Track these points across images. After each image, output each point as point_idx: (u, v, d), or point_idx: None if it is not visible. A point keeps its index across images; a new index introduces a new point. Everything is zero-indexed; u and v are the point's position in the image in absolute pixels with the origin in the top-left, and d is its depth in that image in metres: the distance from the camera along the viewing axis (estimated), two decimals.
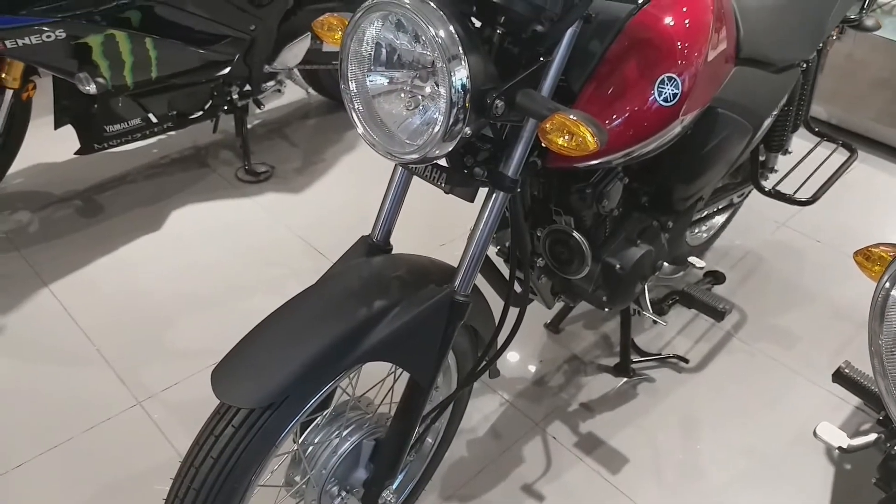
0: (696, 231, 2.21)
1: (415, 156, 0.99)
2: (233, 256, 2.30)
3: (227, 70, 2.36)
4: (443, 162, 1.13)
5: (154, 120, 2.33)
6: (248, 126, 2.73)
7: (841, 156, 2.16)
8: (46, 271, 2.18)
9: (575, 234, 1.38)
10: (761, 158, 2.06)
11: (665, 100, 1.17)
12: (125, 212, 2.46)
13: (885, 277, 0.97)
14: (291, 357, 0.99)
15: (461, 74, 0.92)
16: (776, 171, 2.09)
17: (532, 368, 2.01)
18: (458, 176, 1.09)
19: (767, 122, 1.70)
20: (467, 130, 0.96)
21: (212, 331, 2.03)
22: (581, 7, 0.99)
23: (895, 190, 2.95)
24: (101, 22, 2.00)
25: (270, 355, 1.02)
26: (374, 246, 1.23)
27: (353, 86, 1.02)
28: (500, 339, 1.28)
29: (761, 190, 1.93)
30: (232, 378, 0.99)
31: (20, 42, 1.86)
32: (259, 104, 2.64)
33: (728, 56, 1.39)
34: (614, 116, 1.17)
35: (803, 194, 1.94)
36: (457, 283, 1.14)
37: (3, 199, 2.47)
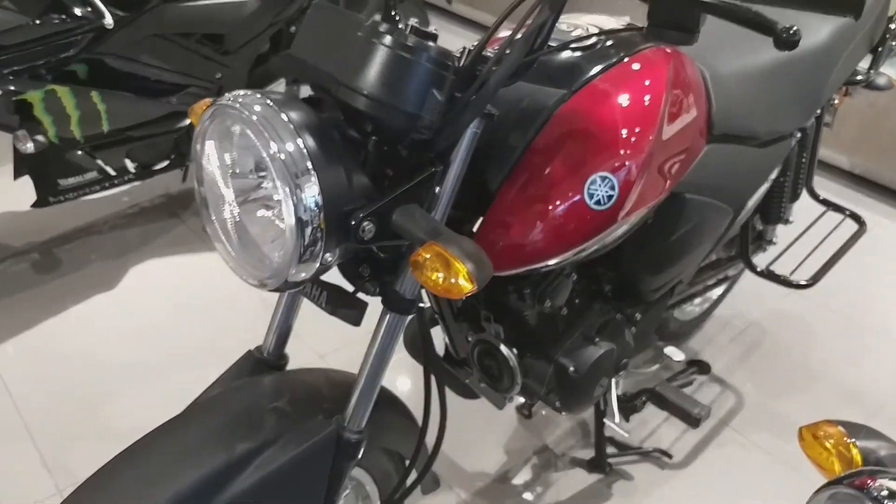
0: (687, 307, 2.00)
1: (271, 281, 0.82)
2: (187, 322, 2.16)
3: (187, 122, 2.24)
4: (337, 272, 0.96)
5: (112, 172, 2.22)
6: None
7: (849, 228, 1.94)
8: None
9: (502, 347, 1.19)
10: (758, 228, 1.86)
11: (597, 203, 0.98)
12: (82, 267, 2.34)
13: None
14: None
15: (311, 192, 0.75)
16: (775, 243, 1.88)
17: (496, 460, 1.82)
18: (340, 296, 0.92)
19: (753, 201, 1.50)
20: (328, 257, 0.79)
21: (150, 407, 1.87)
22: (473, 110, 0.82)
23: None
24: (46, 76, 1.89)
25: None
26: (263, 362, 1.07)
27: (205, 192, 0.86)
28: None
29: (753, 270, 1.73)
30: None
31: None
32: None
33: (695, 136, 1.20)
34: (537, 222, 0.99)
35: (802, 275, 1.73)
36: (347, 418, 0.96)
37: None
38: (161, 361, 2.01)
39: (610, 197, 0.99)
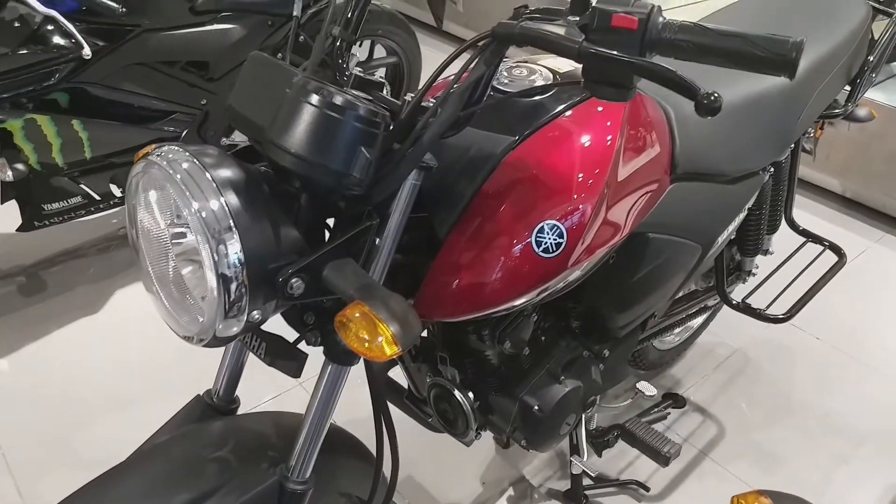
0: (666, 337, 1.99)
1: (201, 336, 0.82)
2: (170, 349, 2.15)
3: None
4: (281, 319, 0.96)
5: (97, 197, 2.23)
6: None
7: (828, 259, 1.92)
8: None
9: (456, 392, 1.18)
10: (737, 259, 1.84)
11: (545, 251, 0.97)
12: (67, 291, 2.35)
13: None
14: None
15: (233, 249, 0.75)
16: (754, 274, 1.86)
17: (472, 491, 1.80)
18: (280, 347, 0.92)
19: (724, 236, 1.49)
20: (255, 314, 0.79)
21: (127, 437, 1.87)
22: (409, 164, 0.82)
23: None
24: (27, 105, 1.90)
25: None
26: (211, 407, 1.06)
27: (138, 244, 0.87)
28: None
29: (729, 303, 1.71)
30: None
31: None
32: None
33: (657, 176, 1.19)
34: (485, 269, 0.98)
35: (780, 308, 1.71)
36: (290, 468, 0.95)
37: None
38: (143, 389, 2.01)
39: (559, 245, 0.98)
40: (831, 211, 3.02)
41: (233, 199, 0.76)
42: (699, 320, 2.09)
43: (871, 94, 2.86)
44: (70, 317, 2.25)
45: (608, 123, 1.05)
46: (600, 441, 1.57)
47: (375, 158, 0.80)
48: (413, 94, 0.87)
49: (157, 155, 0.80)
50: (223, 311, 0.77)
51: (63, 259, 2.49)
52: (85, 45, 1.77)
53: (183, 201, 0.76)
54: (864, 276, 2.61)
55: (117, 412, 1.94)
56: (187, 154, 0.79)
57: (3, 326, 2.19)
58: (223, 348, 1.06)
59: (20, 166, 1.94)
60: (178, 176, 0.77)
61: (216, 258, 0.75)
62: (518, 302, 1.02)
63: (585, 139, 1.02)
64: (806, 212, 2.98)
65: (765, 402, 2.09)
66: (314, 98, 0.76)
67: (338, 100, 0.77)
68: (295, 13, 1.00)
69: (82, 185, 2.16)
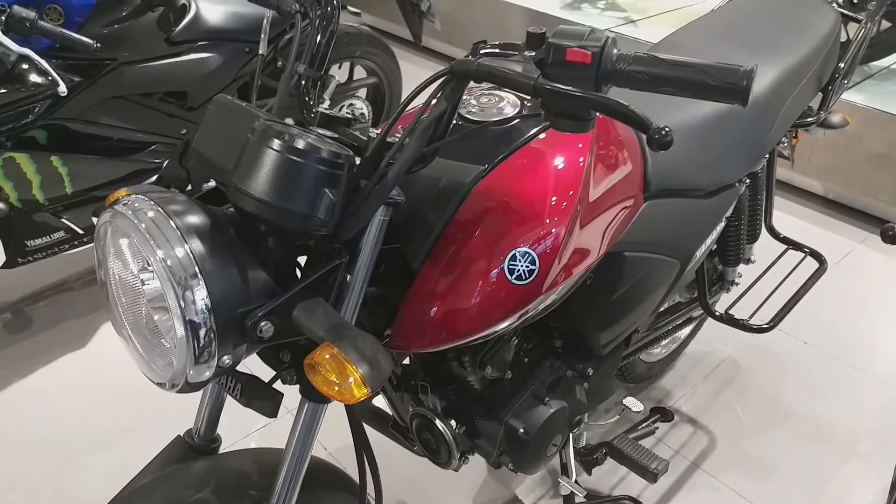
0: (653, 349, 1.99)
1: (173, 382, 0.82)
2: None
3: (153, 178, 2.25)
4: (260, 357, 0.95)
5: (80, 231, 2.22)
6: None
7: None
8: None
9: (437, 422, 1.18)
10: (719, 268, 1.85)
11: (518, 278, 0.98)
12: (53, 326, 2.34)
13: None
14: None
15: (200, 296, 0.75)
16: (737, 283, 1.87)
17: None
18: (255, 387, 0.91)
19: (702, 249, 1.49)
20: (226, 359, 0.79)
21: (115, 476, 1.87)
22: (375, 201, 0.82)
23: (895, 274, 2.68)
24: (5, 143, 1.90)
25: None
26: (192, 447, 1.06)
27: (110, 290, 0.86)
28: None
29: (712, 314, 1.71)
30: None
31: None
32: None
33: (630, 195, 1.20)
34: (459, 299, 0.98)
35: (762, 318, 1.71)
36: None
37: None
38: (131, 425, 1.99)
39: (531, 271, 0.98)
40: (815, 213, 3.03)
41: (198, 245, 0.76)
42: (686, 331, 2.10)
43: (849, 96, 2.89)
44: (57, 353, 2.23)
45: (576, 147, 1.05)
46: (589, 459, 1.57)
47: (340, 198, 0.80)
48: (378, 131, 0.87)
49: (124, 204, 0.80)
50: (193, 358, 0.77)
51: (49, 294, 2.48)
52: (60, 82, 1.77)
53: (148, 250, 0.76)
54: (850, 277, 2.62)
55: (105, 450, 1.93)
56: (152, 203, 0.79)
57: None
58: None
59: (1, 205, 1.93)
60: (143, 225, 0.77)
61: (183, 305, 0.75)
62: (495, 329, 1.02)
63: (554, 164, 1.02)
64: (790, 215, 2.99)
65: (755, 410, 2.09)
66: (276, 143, 0.77)
67: (299, 144, 0.77)
68: (260, 52, 1.00)
69: (64, 220, 2.16)
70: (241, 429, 1.89)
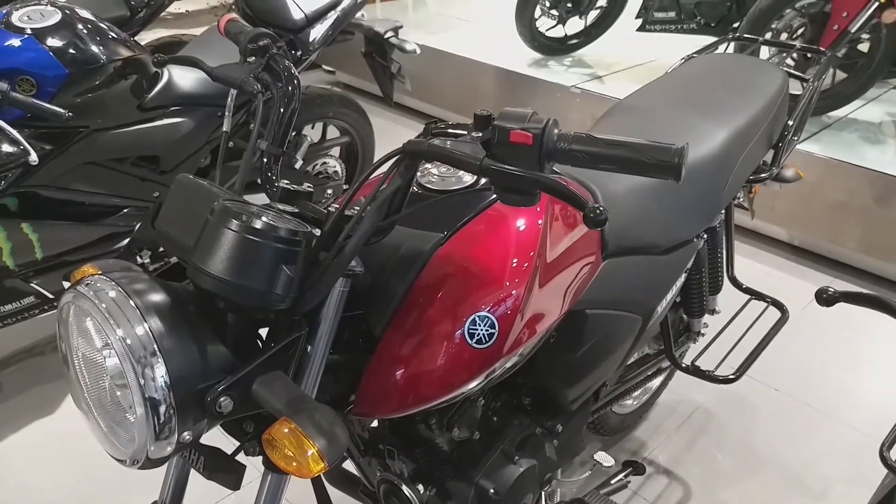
0: (625, 401, 2.01)
1: (135, 459, 0.82)
2: None
3: (125, 241, 2.26)
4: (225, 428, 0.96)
5: (50, 296, 2.21)
6: None
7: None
8: None
9: (404, 488, 1.19)
10: (685, 319, 1.88)
11: (479, 342, 1.00)
12: (23, 391, 2.31)
13: None
14: None
15: (159, 373, 0.77)
16: (703, 334, 1.90)
17: None
18: (218, 459, 0.92)
19: (664, 304, 1.53)
20: (186, 435, 0.80)
21: None
22: (334, 273, 0.85)
23: (861, 320, 2.73)
24: None
25: None
26: None
27: (74, 360, 0.88)
28: None
29: (678, 366, 1.74)
30: None
31: None
32: None
33: (587, 256, 1.24)
34: (421, 364, 1.00)
35: (727, 368, 1.75)
36: None
37: None
38: (98, 494, 1.96)
39: (491, 335, 1.01)
40: (780, 259, 3.10)
41: (157, 323, 0.78)
42: (657, 382, 2.12)
43: (807, 147, 2.99)
44: (26, 419, 2.20)
45: (532, 211, 1.09)
46: None
47: (298, 274, 0.82)
48: (336, 207, 0.90)
49: (86, 285, 0.82)
50: (154, 434, 0.78)
51: (19, 358, 2.46)
52: (32, 151, 1.79)
53: (108, 329, 0.78)
54: (816, 323, 2.67)
55: None
56: (113, 283, 0.81)
57: None
58: None
59: None
60: (104, 305, 0.79)
61: (143, 382, 0.77)
62: (459, 392, 1.04)
63: (511, 229, 1.06)
64: (757, 262, 3.06)
65: (729, 458, 2.11)
66: (234, 224, 0.80)
67: (257, 224, 0.80)
68: (224, 129, 1.04)
69: (34, 285, 2.15)
70: (210, 499, 1.87)
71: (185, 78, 2.25)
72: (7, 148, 1.84)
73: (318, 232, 0.90)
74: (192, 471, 1.09)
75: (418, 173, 1.13)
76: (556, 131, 0.79)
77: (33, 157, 1.80)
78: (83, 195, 2.11)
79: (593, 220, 0.75)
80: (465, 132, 0.86)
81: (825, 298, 1.09)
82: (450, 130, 0.89)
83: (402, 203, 0.89)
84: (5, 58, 1.87)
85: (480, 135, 0.81)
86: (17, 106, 1.78)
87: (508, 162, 0.79)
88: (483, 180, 1.10)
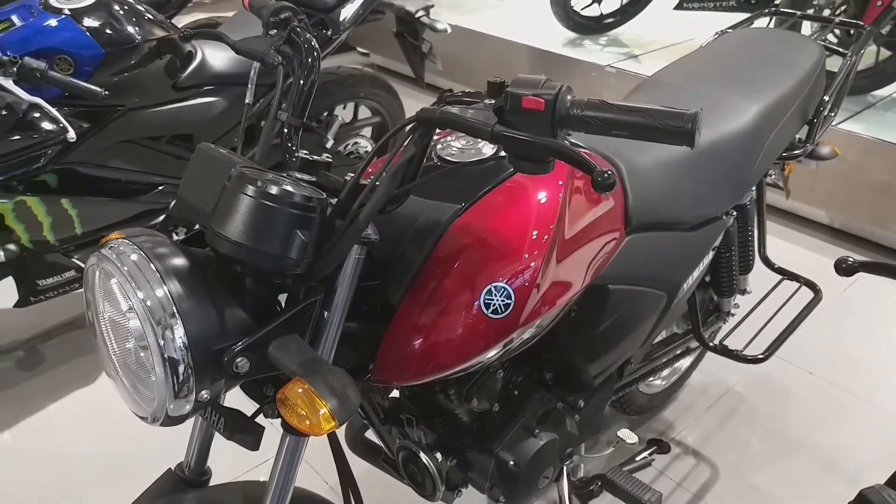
0: (654, 381, 1.99)
1: (155, 416, 0.85)
2: None
3: (161, 218, 2.31)
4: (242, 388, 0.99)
5: None
6: None
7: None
8: None
9: (422, 454, 1.20)
10: (715, 299, 1.86)
11: (494, 312, 1.01)
12: (64, 363, 2.39)
13: None
14: None
15: (178, 334, 0.79)
16: (733, 314, 1.88)
17: None
18: (238, 421, 0.95)
19: (690, 282, 1.51)
20: (204, 394, 0.82)
21: None
22: (349, 240, 0.86)
23: None
24: (18, 187, 1.98)
25: None
26: (182, 480, 1.09)
27: (98, 328, 0.91)
28: None
29: (706, 345, 1.72)
30: None
31: None
32: None
33: (610, 230, 1.23)
34: (437, 333, 1.01)
35: (757, 348, 1.72)
36: None
37: None
38: (138, 461, 2.03)
39: (507, 305, 1.01)
40: (819, 242, 3.03)
41: (176, 286, 0.81)
42: (685, 362, 2.10)
43: (850, 126, 2.91)
44: (67, 390, 2.28)
45: (552, 184, 1.09)
46: (585, 492, 1.57)
47: (312, 239, 0.84)
48: (353, 175, 0.91)
49: (110, 248, 0.85)
50: (172, 393, 0.81)
51: (60, 332, 2.54)
52: (70, 129, 1.84)
53: (129, 291, 0.81)
54: (854, 306, 2.61)
55: (112, 486, 1.96)
56: (135, 246, 0.83)
57: (1, 401, 2.23)
58: (192, 422, 1.09)
59: (12, 247, 2.00)
60: (126, 268, 0.81)
61: (162, 343, 0.79)
62: (475, 362, 1.05)
63: (530, 201, 1.06)
64: (793, 244, 3.00)
65: (759, 442, 2.08)
66: (250, 189, 0.81)
67: (272, 189, 0.81)
68: (247, 100, 1.05)
69: (75, 259, 2.22)
70: (249, 462, 1.92)
71: (218, 57, 2.28)
72: (46, 125, 1.90)
73: (334, 201, 0.91)
74: (220, 437, 1.13)
75: (439, 146, 1.14)
76: (568, 98, 0.79)
77: (71, 135, 1.85)
78: (120, 172, 2.16)
79: (601, 184, 0.75)
80: (478, 100, 0.85)
81: (844, 268, 1.07)
82: (464, 98, 0.89)
83: (417, 172, 0.89)
84: (43, 37, 1.92)
85: (493, 102, 0.81)
86: (56, 84, 1.83)
87: (521, 129, 0.79)
88: (502, 152, 1.10)
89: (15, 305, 2.25)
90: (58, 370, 2.37)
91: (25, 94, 1.78)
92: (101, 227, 2.21)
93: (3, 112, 1.85)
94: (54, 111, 1.84)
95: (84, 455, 2.05)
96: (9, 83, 1.76)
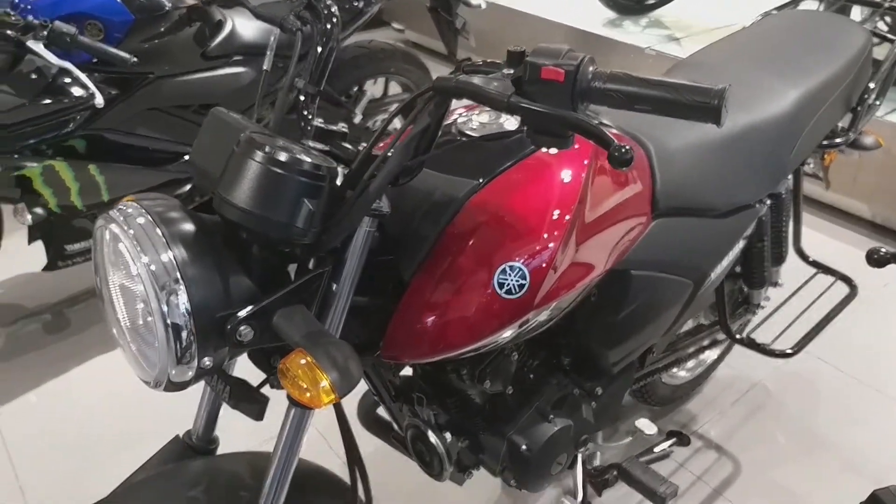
0: (678, 372, 1.95)
1: (158, 381, 0.84)
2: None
3: (187, 188, 2.32)
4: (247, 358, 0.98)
5: None
6: None
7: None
8: None
9: (430, 433, 1.18)
10: (745, 290, 1.80)
11: (508, 292, 0.98)
12: (88, 328, 2.42)
13: None
14: None
15: (181, 300, 0.78)
16: (763, 306, 1.82)
17: None
18: (243, 390, 0.93)
19: (718, 271, 1.46)
20: (206, 361, 0.81)
21: None
22: (358, 212, 0.84)
23: None
24: (46, 151, 1.99)
25: None
26: (190, 447, 1.08)
27: (105, 291, 0.90)
28: None
29: (732, 337, 1.67)
30: None
31: None
32: None
33: (635, 214, 1.19)
34: (448, 311, 0.99)
35: (786, 343, 1.66)
36: None
37: None
38: (155, 426, 2.05)
39: (522, 286, 0.98)
40: (860, 237, 2.93)
41: (181, 251, 0.79)
42: (712, 355, 2.04)
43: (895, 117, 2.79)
44: (90, 354, 2.31)
45: (574, 163, 1.05)
46: (600, 480, 1.54)
47: (320, 209, 0.81)
48: (365, 145, 0.89)
49: (118, 210, 0.84)
50: (175, 358, 0.80)
51: (86, 297, 2.57)
52: (98, 94, 1.85)
53: (134, 255, 0.79)
54: (891, 304, 2.52)
55: (130, 449, 1.99)
56: (143, 210, 0.82)
57: (28, 363, 2.27)
58: (201, 391, 1.09)
59: (39, 210, 2.02)
60: (132, 231, 0.80)
61: (165, 309, 0.78)
62: (487, 342, 1.02)
63: (550, 180, 1.02)
64: (833, 238, 2.90)
65: (784, 438, 2.02)
66: (258, 155, 0.79)
67: (281, 156, 0.79)
68: (265, 67, 1.03)
69: None
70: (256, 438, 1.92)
71: (247, 27, 2.27)
72: (75, 90, 1.90)
73: (346, 171, 0.89)
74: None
75: (462, 120, 1.10)
76: (591, 69, 0.75)
77: (99, 101, 1.85)
78: (147, 140, 2.17)
79: (618, 160, 0.71)
80: (497, 70, 0.82)
81: (876, 259, 1.02)
82: (483, 68, 0.86)
83: (431, 143, 0.86)
84: (74, 2, 1.93)
85: (512, 72, 0.78)
86: (85, 50, 1.83)
87: (539, 100, 0.76)
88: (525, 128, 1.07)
89: (44, 269, 2.28)
90: (83, 334, 2.40)
91: (55, 59, 1.79)
92: (127, 193, 2.22)
93: (33, 76, 1.86)
94: (83, 76, 1.84)
95: (104, 420, 2.08)
96: (39, 47, 1.76)
